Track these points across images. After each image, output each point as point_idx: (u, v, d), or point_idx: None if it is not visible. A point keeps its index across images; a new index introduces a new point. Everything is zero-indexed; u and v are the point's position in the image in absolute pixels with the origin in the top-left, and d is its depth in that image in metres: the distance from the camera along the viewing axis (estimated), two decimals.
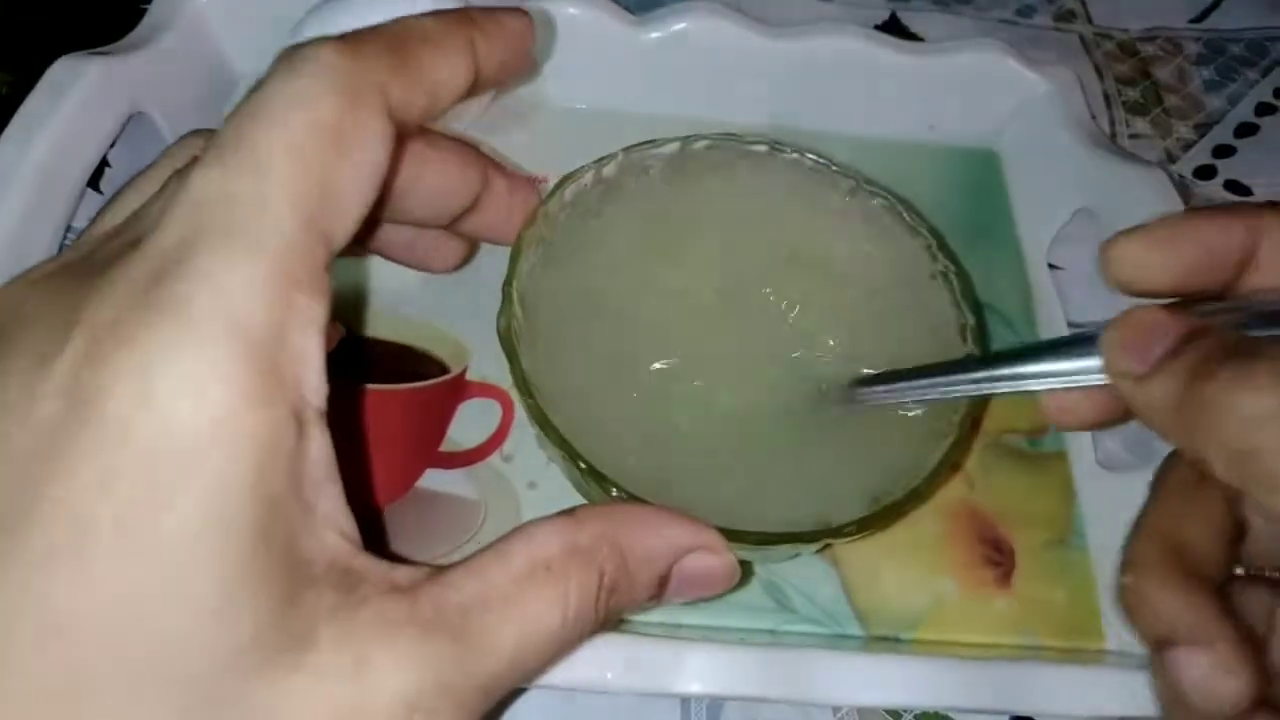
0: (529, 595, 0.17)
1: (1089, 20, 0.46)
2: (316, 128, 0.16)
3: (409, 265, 0.27)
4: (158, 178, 0.20)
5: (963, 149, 0.39)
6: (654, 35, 0.36)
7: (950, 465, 0.24)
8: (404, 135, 0.18)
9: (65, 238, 0.31)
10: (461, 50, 0.18)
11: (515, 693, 0.25)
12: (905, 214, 0.28)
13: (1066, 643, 0.28)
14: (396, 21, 0.18)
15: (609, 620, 0.19)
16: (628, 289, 0.27)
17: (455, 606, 0.17)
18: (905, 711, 0.27)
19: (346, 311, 0.31)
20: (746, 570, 0.24)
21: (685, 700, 0.26)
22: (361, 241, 0.24)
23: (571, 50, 0.36)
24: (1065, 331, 0.34)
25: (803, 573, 0.28)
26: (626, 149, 0.28)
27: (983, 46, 0.38)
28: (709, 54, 0.37)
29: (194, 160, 0.16)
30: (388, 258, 0.26)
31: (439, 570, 0.17)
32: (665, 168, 0.29)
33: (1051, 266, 0.36)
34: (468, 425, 0.30)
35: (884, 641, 0.28)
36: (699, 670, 0.24)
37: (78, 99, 0.30)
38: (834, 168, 0.29)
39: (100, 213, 0.20)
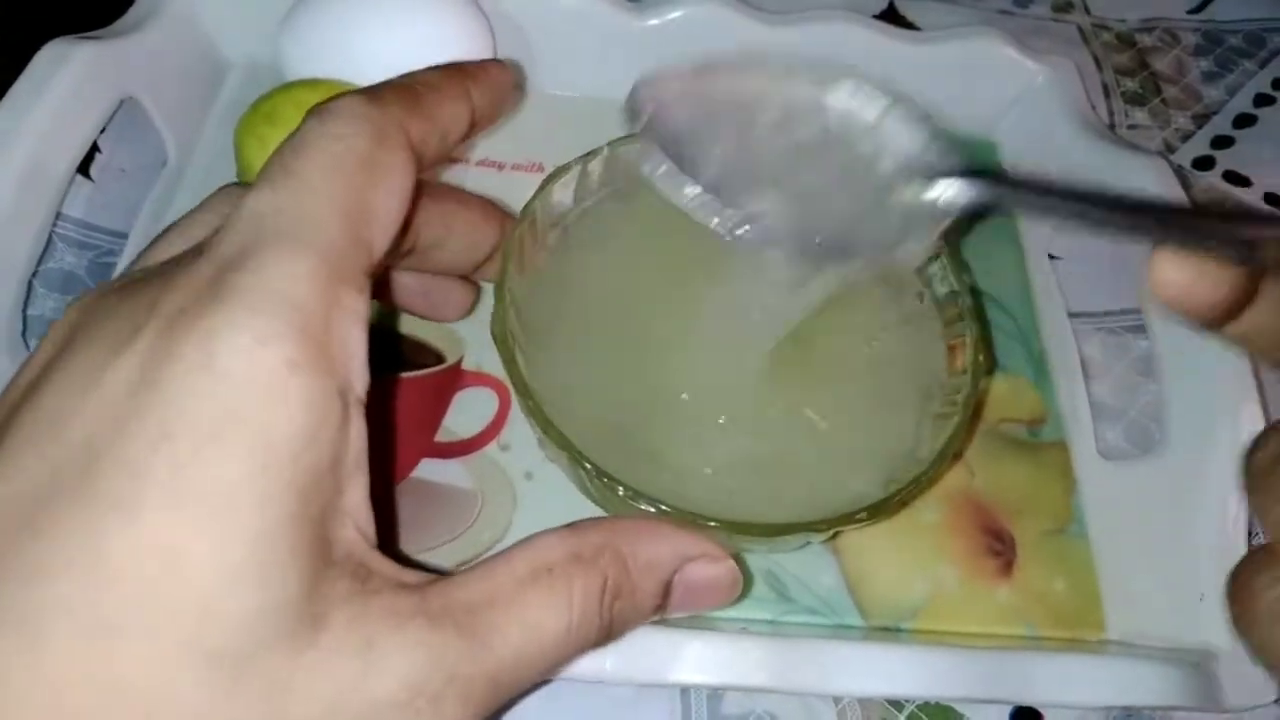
0: (533, 596, 0.18)
1: (1087, 11, 0.45)
2: (352, 157, 0.18)
3: (422, 314, 0.28)
4: (202, 221, 0.21)
5: (961, 138, 0.39)
6: (651, 22, 0.36)
7: (958, 446, 0.24)
8: (423, 172, 0.20)
9: (55, 224, 0.31)
10: (461, 96, 0.21)
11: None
12: None
13: (1067, 632, 0.28)
14: (406, 75, 0.21)
15: (616, 630, 0.19)
16: (622, 284, 0.27)
17: (462, 603, 0.17)
18: (907, 702, 0.27)
19: None
20: (747, 576, 0.24)
21: (685, 690, 0.26)
22: (380, 295, 0.26)
23: (567, 37, 0.36)
24: (1065, 323, 0.34)
25: (802, 562, 0.28)
26: (611, 143, 0.27)
27: (981, 35, 0.37)
28: (705, 41, 0.36)
29: (244, 193, 0.18)
30: (403, 307, 0.28)
31: (445, 574, 0.18)
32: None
33: (1051, 257, 0.36)
34: (464, 415, 0.30)
35: (884, 631, 0.27)
36: (698, 660, 0.23)
37: (66, 84, 0.30)
38: None
39: (143, 254, 0.21)
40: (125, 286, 0.18)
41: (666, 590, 0.20)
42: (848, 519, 0.23)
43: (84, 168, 0.33)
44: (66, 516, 0.14)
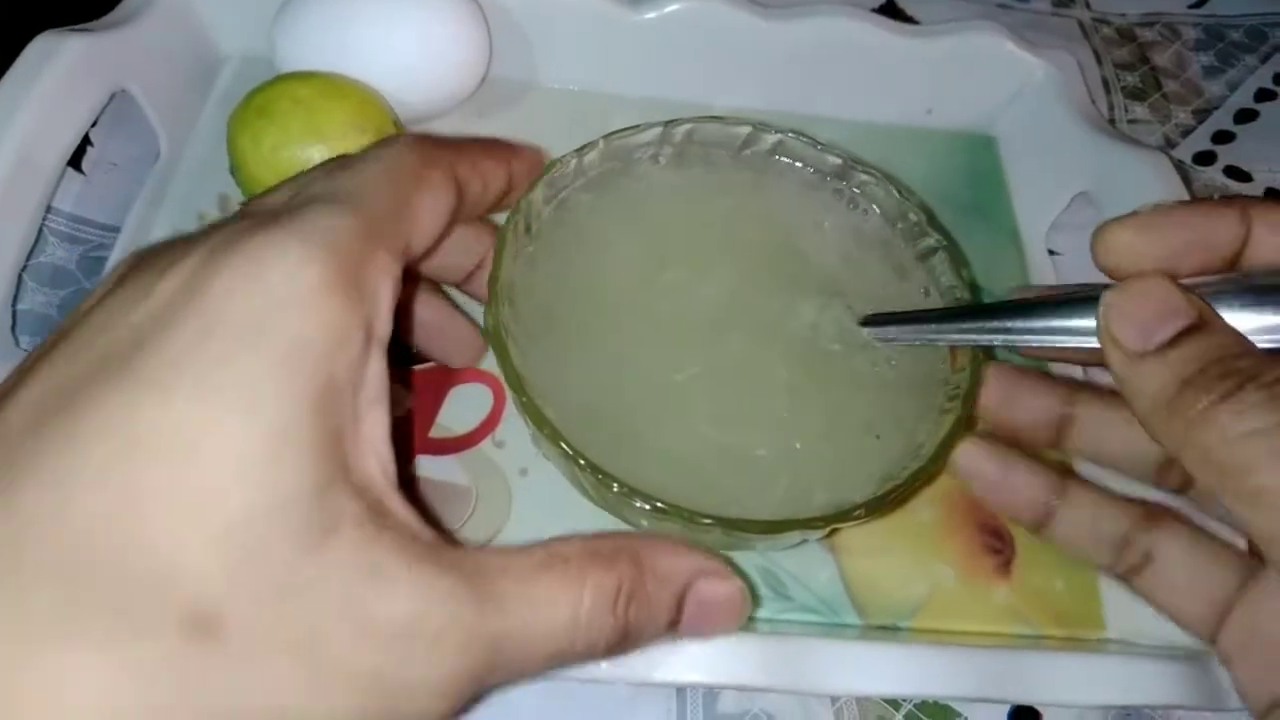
0: (544, 578, 0.18)
1: (1087, 5, 0.45)
2: (403, 167, 0.20)
3: (433, 356, 0.29)
4: None
5: (960, 133, 0.39)
6: (648, 16, 0.36)
7: (956, 442, 0.24)
8: (465, 215, 0.23)
9: (45, 217, 0.30)
10: (503, 160, 0.24)
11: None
12: (894, 188, 0.28)
13: (1067, 631, 0.28)
14: (460, 136, 0.24)
15: (632, 637, 0.19)
16: (617, 280, 0.26)
17: (473, 563, 0.17)
18: (904, 701, 0.26)
19: None
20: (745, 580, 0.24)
21: (681, 689, 0.26)
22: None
23: (564, 31, 0.36)
24: None
25: (800, 561, 0.28)
26: (607, 136, 0.27)
27: (981, 29, 0.37)
28: (703, 36, 0.36)
29: None
30: (418, 343, 0.28)
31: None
32: (649, 155, 0.28)
33: (1050, 252, 0.36)
34: (459, 411, 0.29)
35: (882, 630, 0.27)
36: (695, 659, 0.23)
37: (57, 76, 0.29)
38: (819, 146, 0.29)
39: None
40: (179, 237, 0.19)
41: (680, 604, 0.20)
42: (845, 516, 0.22)
43: (75, 162, 0.33)
44: (104, 395, 0.15)
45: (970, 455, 0.25)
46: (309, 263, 0.17)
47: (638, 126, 0.28)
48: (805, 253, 0.28)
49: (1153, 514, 0.24)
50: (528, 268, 0.26)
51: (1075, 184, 0.35)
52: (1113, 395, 0.26)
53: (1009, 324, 0.23)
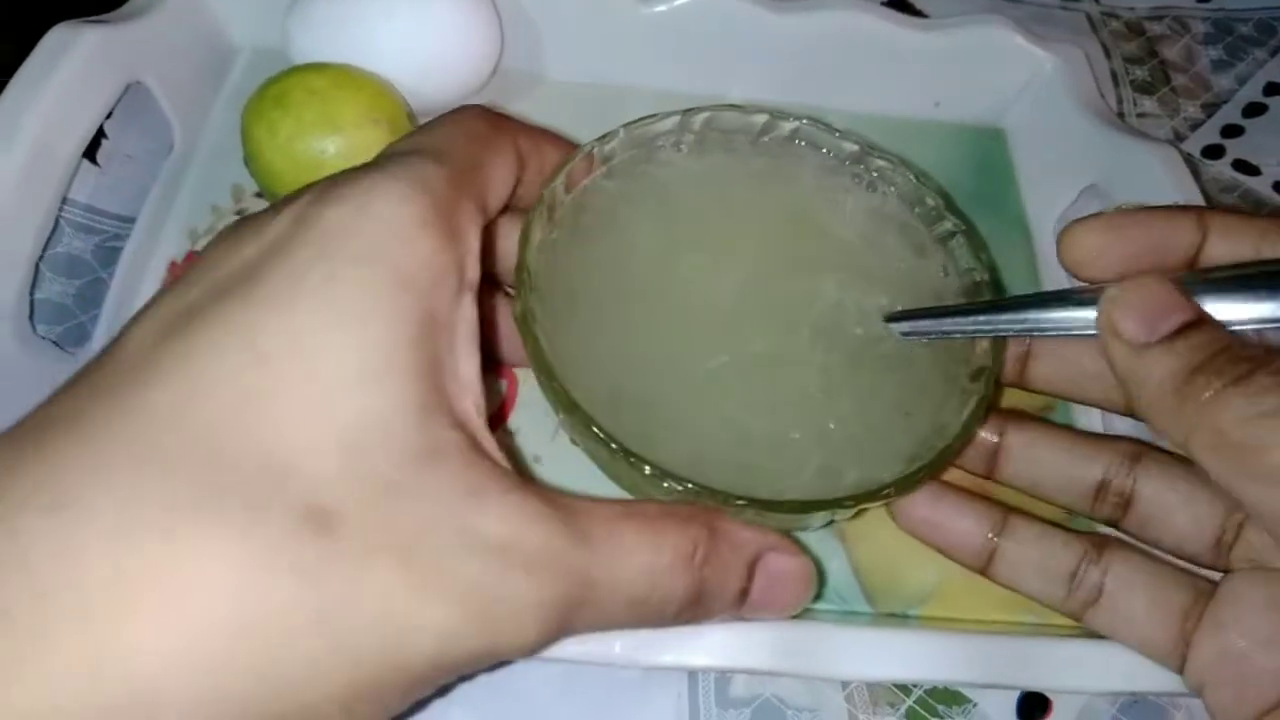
0: (628, 526, 0.19)
1: None
2: (477, 130, 0.22)
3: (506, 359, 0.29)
4: None
5: (969, 126, 0.39)
6: (658, 9, 0.36)
7: (981, 421, 0.24)
8: (526, 186, 0.24)
9: (61, 208, 0.31)
10: (559, 145, 0.25)
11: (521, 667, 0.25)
12: (911, 174, 0.28)
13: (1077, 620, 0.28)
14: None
15: (707, 599, 0.20)
16: (643, 265, 0.26)
17: (564, 504, 0.18)
18: (915, 686, 0.26)
19: None
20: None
21: (692, 673, 0.26)
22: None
23: (574, 24, 0.36)
24: None
25: (810, 548, 0.28)
26: (627, 125, 0.27)
27: (989, 22, 0.37)
28: (713, 28, 0.36)
29: None
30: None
31: None
32: (670, 143, 0.28)
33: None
34: None
35: (892, 618, 0.27)
36: (706, 643, 0.23)
37: (72, 68, 0.30)
38: (836, 132, 0.29)
39: None
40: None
41: (751, 574, 0.21)
42: (874, 495, 0.22)
43: (91, 153, 0.33)
44: (227, 310, 0.17)
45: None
46: (410, 200, 0.18)
47: (655, 115, 0.28)
48: (827, 234, 0.28)
49: (1099, 542, 0.25)
50: (551, 255, 0.26)
51: (1084, 177, 0.35)
52: (1040, 423, 0.27)
53: (1027, 316, 0.23)
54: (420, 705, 0.18)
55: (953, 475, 0.27)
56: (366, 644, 0.16)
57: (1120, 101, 0.41)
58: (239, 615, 0.15)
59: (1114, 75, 0.42)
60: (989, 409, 0.24)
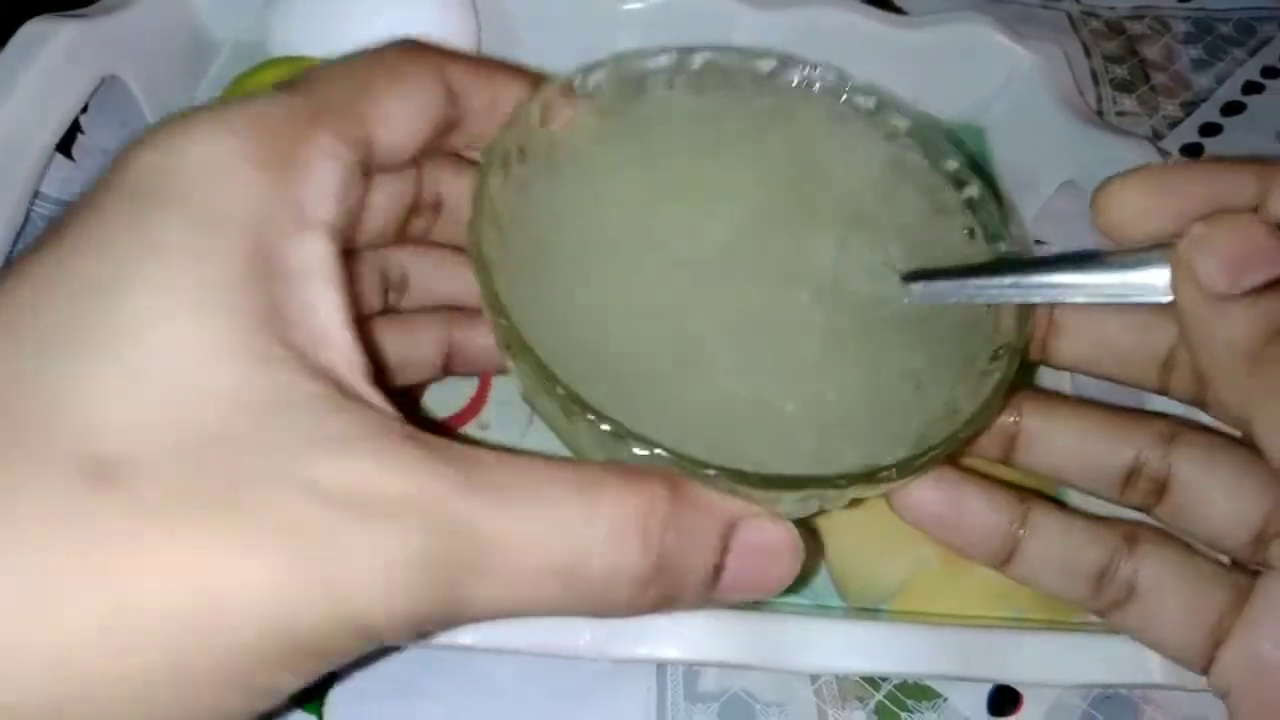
0: (553, 477, 0.16)
1: None
2: (375, 62, 0.20)
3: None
4: None
5: (949, 123, 0.39)
6: (634, 6, 0.36)
7: (1000, 402, 0.21)
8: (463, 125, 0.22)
9: (33, 202, 0.30)
10: (523, 79, 0.23)
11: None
12: (930, 131, 0.26)
13: (1049, 614, 0.28)
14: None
15: (668, 579, 0.17)
16: (625, 210, 0.23)
17: (466, 451, 0.16)
18: (884, 681, 0.26)
19: None
20: None
21: (661, 667, 0.26)
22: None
23: (552, 18, 0.36)
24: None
25: None
26: (616, 57, 0.25)
27: (968, 20, 0.37)
28: (691, 24, 0.36)
29: None
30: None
31: None
32: (663, 80, 0.25)
33: (1037, 241, 0.36)
34: (443, 394, 0.29)
35: (863, 612, 0.27)
36: (675, 636, 0.23)
37: (47, 61, 0.30)
38: (852, 83, 0.26)
39: None
40: None
41: (725, 546, 0.18)
42: (869, 478, 0.19)
43: (65, 148, 0.33)
44: (31, 264, 0.16)
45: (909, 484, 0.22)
46: (227, 135, 0.17)
47: (649, 50, 0.25)
48: (836, 183, 0.25)
49: (1131, 533, 0.22)
50: (519, 192, 0.22)
51: (1062, 172, 0.35)
52: (1062, 400, 0.24)
53: (1066, 279, 0.20)
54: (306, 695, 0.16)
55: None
56: (171, 608, 0.14)
57: (1100, 100, 0.41)
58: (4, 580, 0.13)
59: (1094, 74, 0.42)
60: (1011, 390, 0.21)
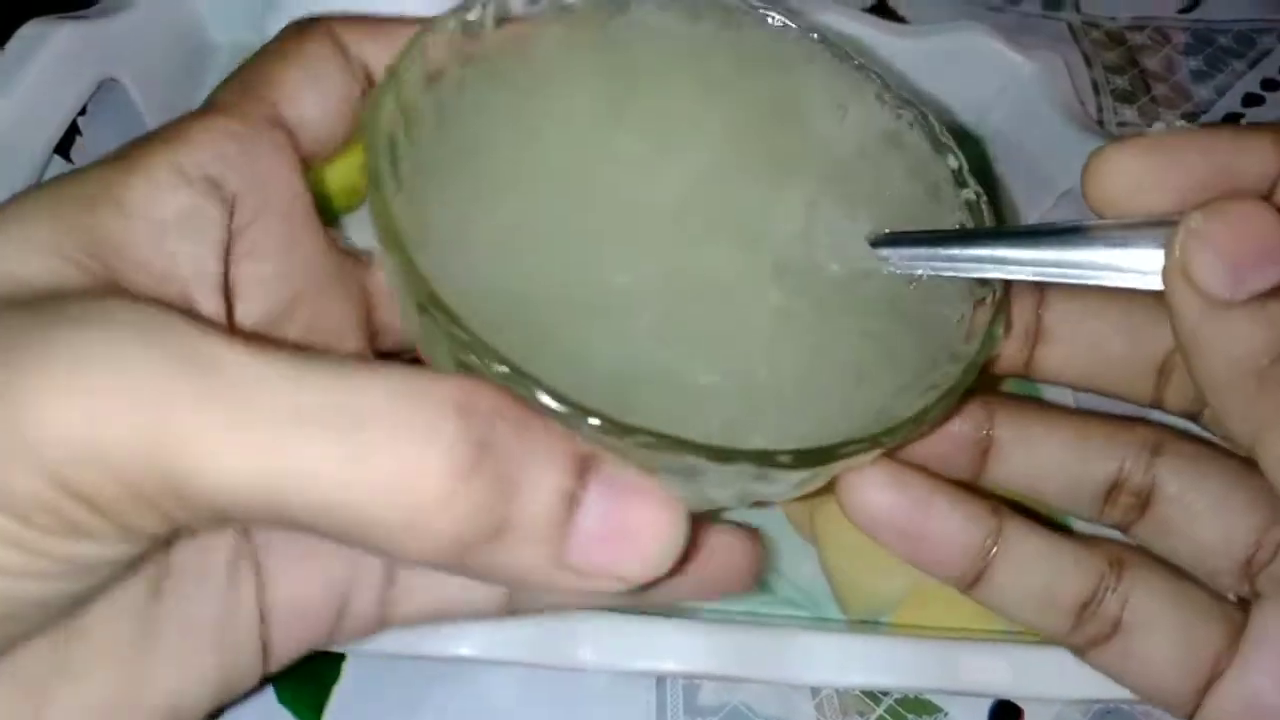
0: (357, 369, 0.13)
1: (1077, 9, 0.46)
2: (292, 44, 0.19)
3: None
4: None
5: (948, 132, 0.39)
6: None
7: (949, 411, 0.18)
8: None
9: None
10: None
11: (461, 673, 0.25)
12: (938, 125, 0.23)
13: None
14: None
15: (502, 489, 0.13)
16: (571, 136, 0.20)
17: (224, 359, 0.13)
18: (884, 695, 0.26)
19: None
20: None
21: (661, 680, 0.26)
22: None
23: None
24: None
25: (781, 552, 0.28)
26: None
27: (968, 29, 0.37)
28: None
29: None
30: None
31: None
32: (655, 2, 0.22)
33: None
34: None
35: (863, 625, 0.27)
36: (675, 649, 0.23)
37: (45, 63, 0.29)
38: (816, 36, 0.23)
39: None
40: None
41: (580, 474, 0.14)
42: (764, 456, 0.16)
43: (65, 151, 0.32)
44: None
45: (870, 488, 0.19)
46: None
47: None
48: (819, 143, 0.22)
49: (1117, 557, 0.20)
50: (455, 95, 0.19)
51: (1062, 182, 0.35)
52: (1037, 408, 0.22)
53: (1057, 255, 0.17)
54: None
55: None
56: None
57: (1101, 110, 0.41)
58: None
59: (1095, 84, 0.42)
60: (965, 395, 0.18)
